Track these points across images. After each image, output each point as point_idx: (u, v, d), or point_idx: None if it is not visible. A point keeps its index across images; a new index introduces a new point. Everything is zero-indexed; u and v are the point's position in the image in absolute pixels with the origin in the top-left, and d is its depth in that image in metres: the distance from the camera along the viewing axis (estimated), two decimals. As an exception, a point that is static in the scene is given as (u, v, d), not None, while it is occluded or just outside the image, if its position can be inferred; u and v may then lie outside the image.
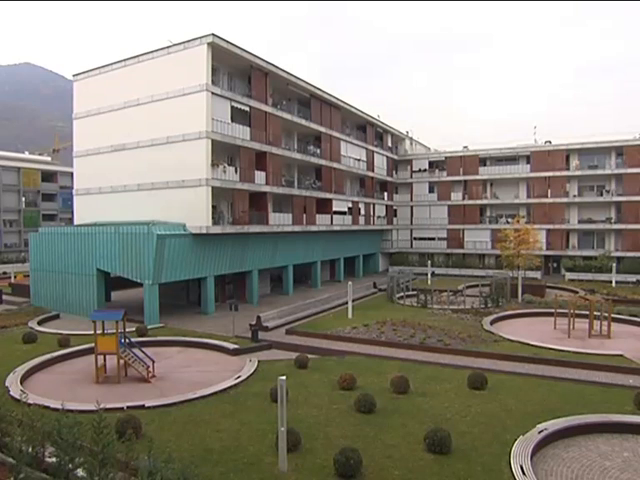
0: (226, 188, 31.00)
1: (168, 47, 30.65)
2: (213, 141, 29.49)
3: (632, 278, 43.65)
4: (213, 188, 29.65)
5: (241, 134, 31.93)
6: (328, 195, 42.67)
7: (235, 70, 33.55)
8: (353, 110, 46.84)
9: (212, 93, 29.45)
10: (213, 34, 28.86)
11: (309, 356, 20.04)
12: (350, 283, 30.82)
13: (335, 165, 43.80)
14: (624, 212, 48.38)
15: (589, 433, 13.25)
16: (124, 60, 32.82)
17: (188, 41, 29.70)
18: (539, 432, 12.71)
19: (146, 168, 31.23)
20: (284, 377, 11.15)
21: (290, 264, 39.29)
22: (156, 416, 14.12)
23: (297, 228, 37.99)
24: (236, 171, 31.90)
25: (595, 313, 25.76)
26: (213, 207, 30.47)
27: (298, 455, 11.68)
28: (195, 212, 29.15)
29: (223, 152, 31.92)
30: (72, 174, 39.57)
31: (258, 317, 26.02)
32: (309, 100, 40.27)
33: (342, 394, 16.08)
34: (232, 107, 31.27)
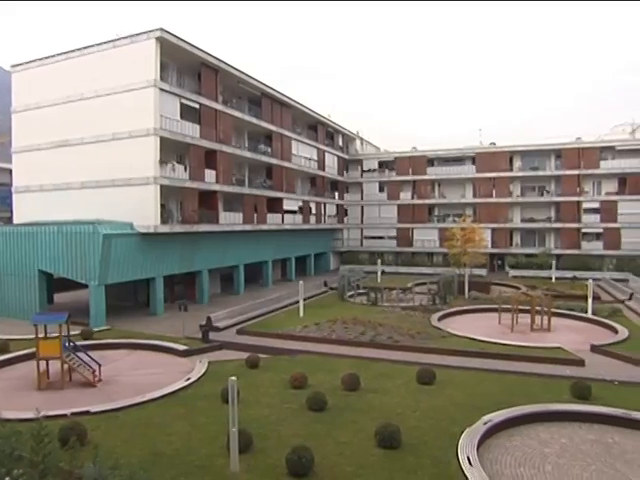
0: (175, 187, 30.42)
1: (114, 40, 29.75)
2: (162, 138, 28.87)
3: (569, 274, 45.71)
4: (162, 186, 29.03)
5: (191, 132, 31.40)
6: (279, 194, 42.60)
7: (185, 66, 32.94)
8: (304, 109, 46.93)
9: (160, 89, 28.82)
10: (161, 29, 28.23)
11: (260, 356, 20.00)
12: (301, 282, 30.91)
13: (286, 164, 43.76)
14: (562, 212, 50.79)
15: (530, 422, 13.92)
16: (67, 52, 31.51)
17: (135, 35, 28.91)
18: (484, 424, 13.23)
19: (91, 165, 30.17)
20: (234, 377, 11.11)
21: (241, 263, 38.99)
22: (102, 422, 13.73)
23: (248, 227, 37.76)
24: (185, 169, 31.37)
25: (536, 308, 26.96)
26: (162, 206, 29.83)
27: (250, 455, 11.66)
28: (143, 211, 28.44)
29: (172, 150, 31.28)
30: (11, 171, 37.69)
31: (208, 317, 25.72)
32: (260, 98, 40.04)
33: (294, 393, 16.15)
34: (181, 104, 30.71)
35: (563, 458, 12.05)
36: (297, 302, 30.34)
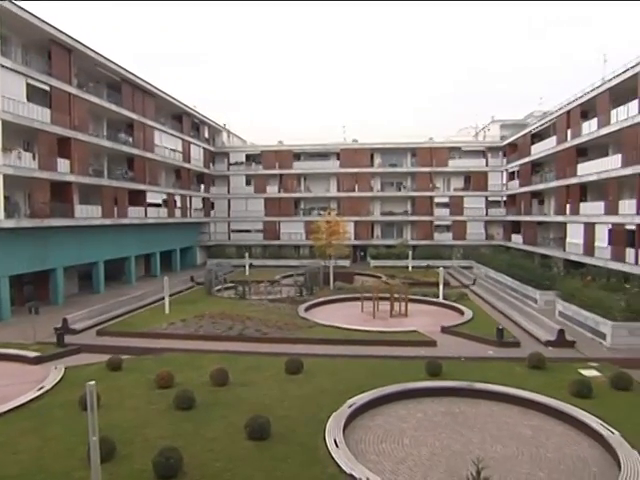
0: (22, 177, 27.53)
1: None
2: (4, 122, 25.88)
3: (424, 263, 49.57)
4: (5, 176, 26.09)
5: (40, 116, 28.59)
6: (141, 186, 40.60)
7: (32, 43, 29.77)
8: (168, 98, 45.13)
9: (1, 66, 25.83)
10: (-1, -3, 25.24)
11: (123, 357, 19.01)
12: (166, 278, 29.85)
13: (149, 155, 41.79)
14: (417, 206, 55.13)
15: (390, 402, 15.05)
16: None
17: (-33, 2, 25.52)
18: (349, 407, 14.02)
19: None
20: (93, 382, 10.42)
21: (100, 260, 36.49)
22: None
23: (107, 221, 35.50)
24: (34, 158, 28.55)
25: (395, 295, 28.95)
26: (6, 198, 26.78)
27: (114, 464, 11.09)
28: (-18, 204, 25.35)
29: (18, 135, 28.26)
30: None
31: (64, 319, 23.80)
32: (120, 84, 37.69)
33: (160, 393, 15.64)
34: (28, 84, 27.82)
35: (419, 430, 13.27)
36: (162, 299, 29.29)
